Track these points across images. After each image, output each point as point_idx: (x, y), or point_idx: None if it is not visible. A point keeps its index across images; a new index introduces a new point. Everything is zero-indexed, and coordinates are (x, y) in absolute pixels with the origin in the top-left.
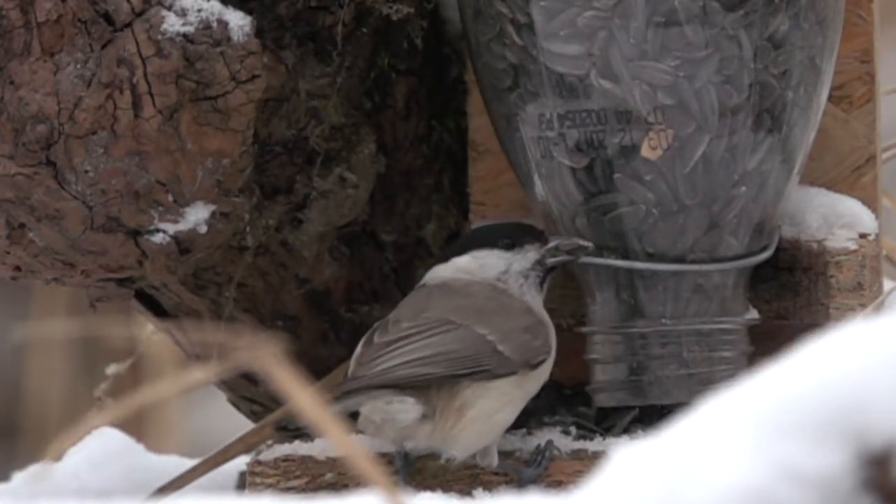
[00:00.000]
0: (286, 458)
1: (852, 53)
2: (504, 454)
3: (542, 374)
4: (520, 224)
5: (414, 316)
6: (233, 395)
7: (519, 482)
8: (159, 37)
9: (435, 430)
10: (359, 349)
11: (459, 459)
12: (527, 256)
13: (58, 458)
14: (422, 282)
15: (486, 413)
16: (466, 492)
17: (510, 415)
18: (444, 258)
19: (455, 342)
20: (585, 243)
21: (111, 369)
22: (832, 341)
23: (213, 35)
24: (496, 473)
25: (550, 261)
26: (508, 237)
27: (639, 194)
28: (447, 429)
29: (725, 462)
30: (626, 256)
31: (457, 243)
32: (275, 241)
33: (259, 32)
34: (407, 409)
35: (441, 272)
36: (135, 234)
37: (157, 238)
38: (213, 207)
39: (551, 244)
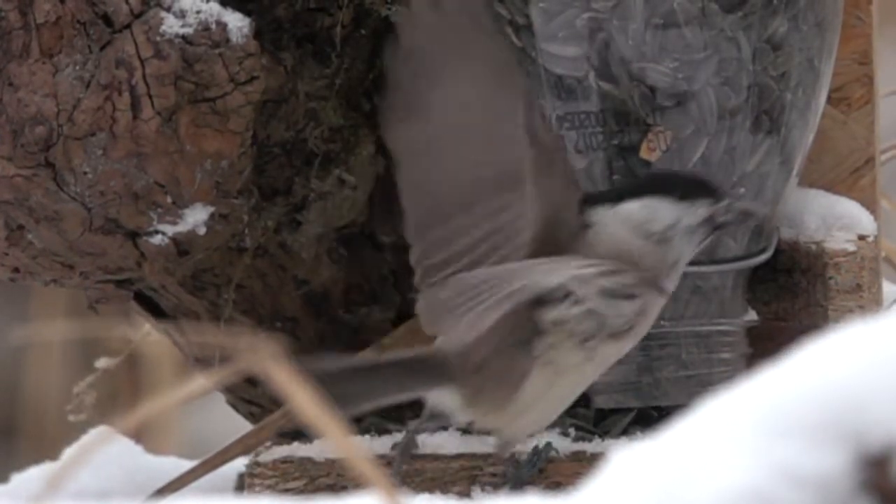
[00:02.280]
0: (285, 460)
1: (851, 55)
2: None
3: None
4: (696, 176)
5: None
6: (232, 397)
7: (511, 483)
8: (158, 38)
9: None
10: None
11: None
12: (697, 212)
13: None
14: (591, 220)
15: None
16: (465, 493)
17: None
18: (615, 198)
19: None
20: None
21: (101, 363)
22: (831, 343)
23: (211, 37)
24: (494, 474)
25: (721, 219)
26: (683, 188)
27: None
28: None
29: (724, 464)
30: None
31: (632, 185)
32: (273, 242)
33: (258, 34)
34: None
35: (606, 220)
36: (133, 235)
37: (156, 239)
38: (211, 209)
39: (724, 202)
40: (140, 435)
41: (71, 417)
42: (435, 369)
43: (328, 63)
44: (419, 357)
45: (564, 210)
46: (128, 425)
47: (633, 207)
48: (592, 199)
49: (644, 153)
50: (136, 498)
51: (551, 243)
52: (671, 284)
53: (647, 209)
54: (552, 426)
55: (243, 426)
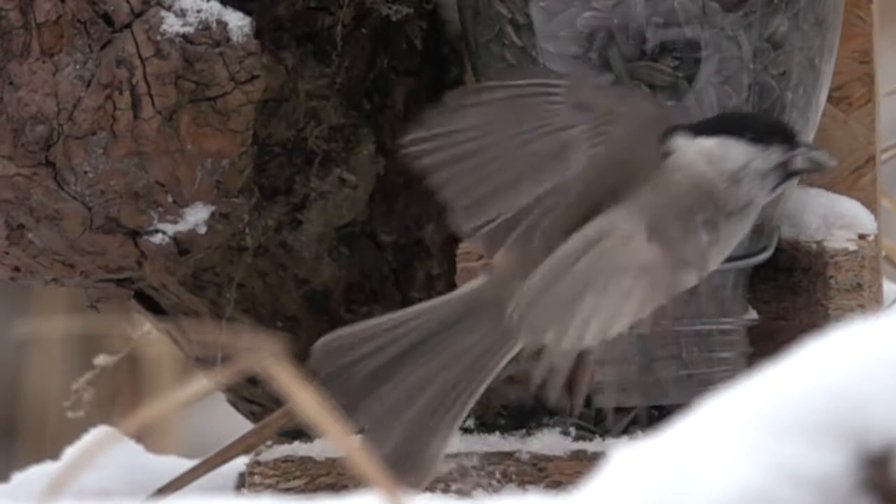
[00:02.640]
0: (285, 459)
1: (851, 54)
2: (503, 454)
3: None
4: (773, 120)
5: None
6: (232, 396)
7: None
8: (158, 37)
9: None
10: None
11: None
12: (770, 157)
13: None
14: (671, 148)
15: None
16: (466, 492)
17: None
18: (693, 130)
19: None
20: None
21: (100, 360)
22: (831, 342)
23: (212, 36)
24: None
25: (795, 166)
26: (757, 130)
27: None
28: None
29: (724, 463)
30: None
31: (710, 121)
32: (274, 241)
33: (258, 33)
34: None
35: (685, 150)
36: (134, 234)
37: (157, 239)
38: (212, 208)
39: (800, 149)
40: (140, 434)
41: (69, 414)
42: (491, 321)
43: (329, 62)
44: (468, 311)
45: (640, 145)
46: (130, 427)
47: (709, 144)
48: (674, 129)
49: None
50: (136, 498)
51: (621, 176)
52: (740, 229)
53: (721, 147)
54: (552, 425)
55: (244, 425)
